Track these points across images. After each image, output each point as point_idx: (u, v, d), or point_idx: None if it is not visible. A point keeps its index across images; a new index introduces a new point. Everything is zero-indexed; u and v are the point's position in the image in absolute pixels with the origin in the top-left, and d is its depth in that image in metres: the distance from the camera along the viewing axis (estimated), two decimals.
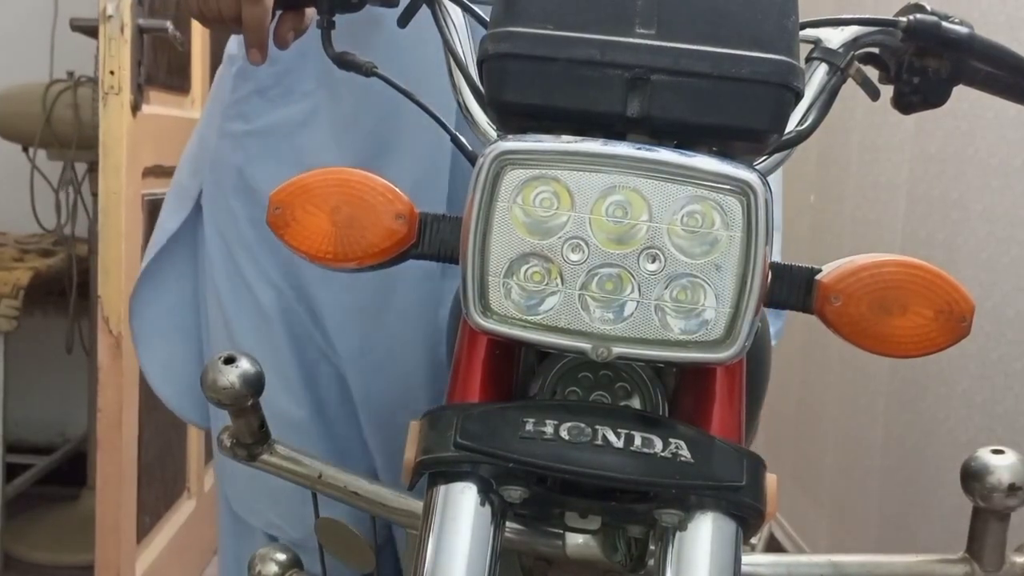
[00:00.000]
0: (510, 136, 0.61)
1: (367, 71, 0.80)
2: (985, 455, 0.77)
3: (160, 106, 1.85)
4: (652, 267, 0.59)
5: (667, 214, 0.59)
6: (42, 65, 2.33)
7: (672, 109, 0.59)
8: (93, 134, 1.69)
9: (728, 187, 0.58)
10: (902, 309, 0.62)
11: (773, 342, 0.96)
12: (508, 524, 0.71)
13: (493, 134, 0.71)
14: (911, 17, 0.76)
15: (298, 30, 0.88)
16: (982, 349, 1.45)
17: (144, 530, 1.90)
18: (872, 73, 0.81)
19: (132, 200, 1.72)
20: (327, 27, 0.80)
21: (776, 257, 1.10)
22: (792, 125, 0.71)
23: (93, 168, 2.14)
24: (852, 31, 0.76)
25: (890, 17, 0.77)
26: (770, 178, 1.05)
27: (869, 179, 1.93)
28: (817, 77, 0.74)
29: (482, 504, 0.61)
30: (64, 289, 2.24)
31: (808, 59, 0.75)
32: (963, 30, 0.76)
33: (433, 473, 0.62)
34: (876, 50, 0.79)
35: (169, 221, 1.16)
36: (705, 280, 0.59)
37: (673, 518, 0.61)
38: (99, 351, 1.71)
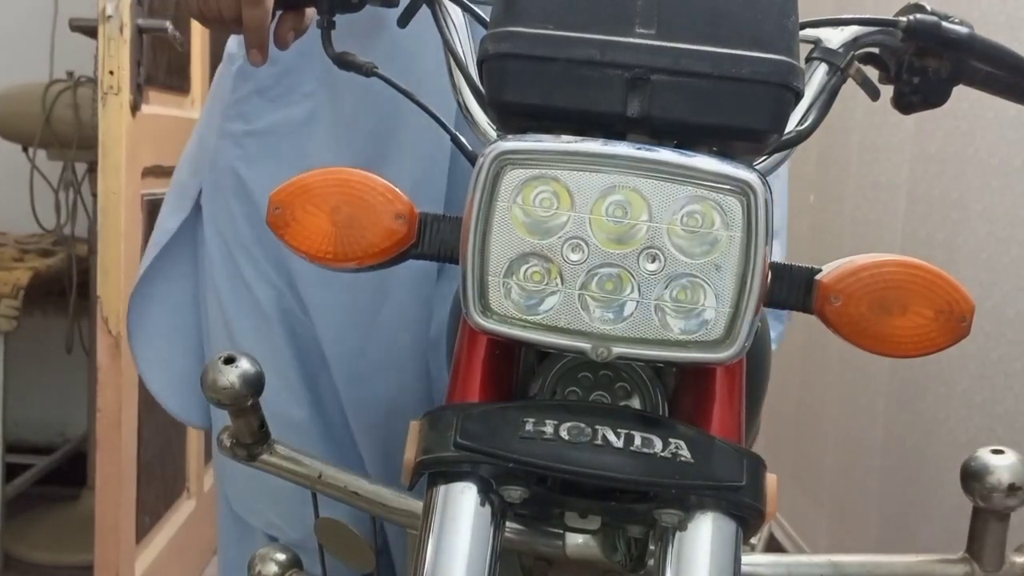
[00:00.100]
0: (510, 136, 0.61)
1: (367, 71, 0.80)
2: (985, 455, 0.77)
3: (159, 106, 1.85)
4: (652, 267, 0.59)
5: (667, 214, 0.59)
6: (42, 65, 2.33)
7: (672, 109, 0.59)
8: (93, 134, 1.69)
9: (728, 187, 0.58)
10: (902, 309, 0.62)
11: (773, 347, 0.96)
12: (508, 524, 0.71)
13: (493, 134, 0.71)
14: (911, 17, 0.76)
15: (298, 30, 0.88)
16: (982, 349, 1.45)
17: (144, 530, 1.90)
18: (872, 73, 0.81)
19: (131, 200, 1.72)
20: (327, 27, 0.80)
21: (781, 256, 1.11)
22: (792, 125, 0.71)
23: (93, 168, 2.14)
24: (852, 31, 0.76)
25: (890, 17, 0.77)
26: (775, 179, 1.05)
27: (869, 179, 1.93)
28: (817, 77, 0.74)
29: (482, 504, 0.61)
30: (64, 289, 2.24)
31: (808, 59, 0.75)
32: (963, 30, 0.76)
33: (433, 473, 0.62)
34: (876, 50, 0.79)
35: (169, 221, 1.16)
36: (705, 280, 0.59)
37: (673, 518, 0.60)
38: (99, 351, 1.71)
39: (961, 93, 0.80)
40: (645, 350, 0.60)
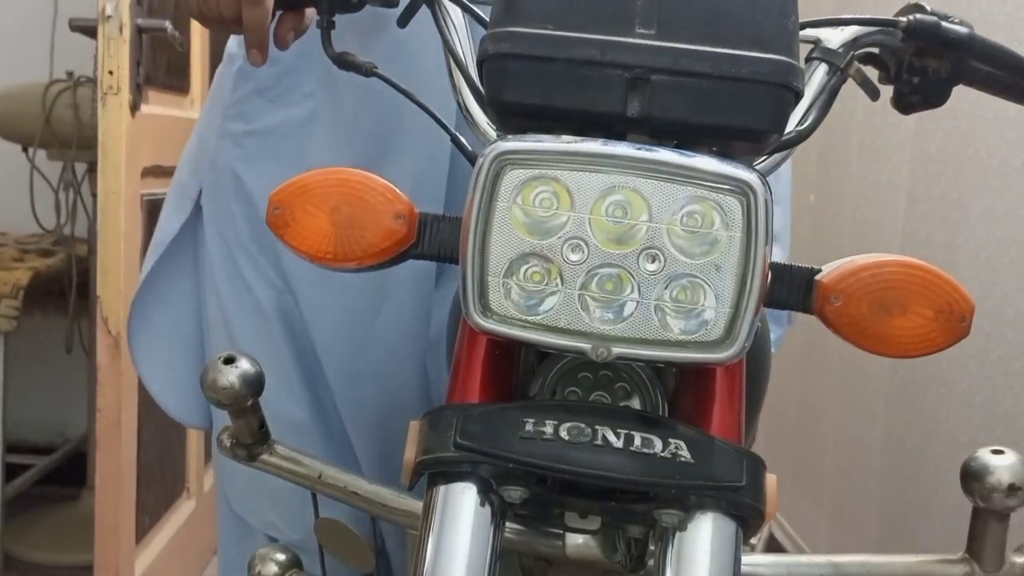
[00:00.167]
0: (510, 136, 0.60)
1: (367, 71, 0.80)
2: (985, 455, 0.77)
3: (159, 106, 1.85)
4: (652, 267, 0.59)
5: (667, 214, 0.59)
6: (42, 65, 2.33)
7: (672, 109, 0.59)
8: (93, 134, 1.69)
9: (728, 187, 0.58)
10: (902, 309, 0.62)
11: (773, 351, 0.96)
12: (508, 524, 0.71)
13: (493, 134, 0.71)
14: (911, 17, 0.76)
15: (298, 30, 0.88)
16: (982, 349, 1.45)
17: (143, 530, 1.90)
18: (872, 73, 0.81)
19: (131, 200, 1.72)
20: (327, 27, 0.80)
21: (784, 256, 1.11)
22: (792, 125, 0.71)
23: (92, 168, 2.14)
24: (852, 31, 0.76)
25: (890, 17, 0.77)
26: (777, 182, 1.05)
27: (869, 179, 1.93)
28: (817, 77, 0.74)
29: (482, 504, 0.61)
30: (64, 289, 2.24)
31: (808, 59, 0.75)
32: (963, 30, 0.76)
33: (433, 473, 0.62)
34: (876, 50, 0.79)
35: (170, 222, 1.16)
36: (705, 280, 0.59)
37: (673, 518, 0.60)
38: (98, 351, 1.71)
39: (961, 93, 0.80)
40: (645, 350, 0.60)
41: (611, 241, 0.59)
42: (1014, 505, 0.77)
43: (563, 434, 0.60)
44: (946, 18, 0.77)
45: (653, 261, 0.59)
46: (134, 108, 1.69)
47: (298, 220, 0.64)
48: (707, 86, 0.58)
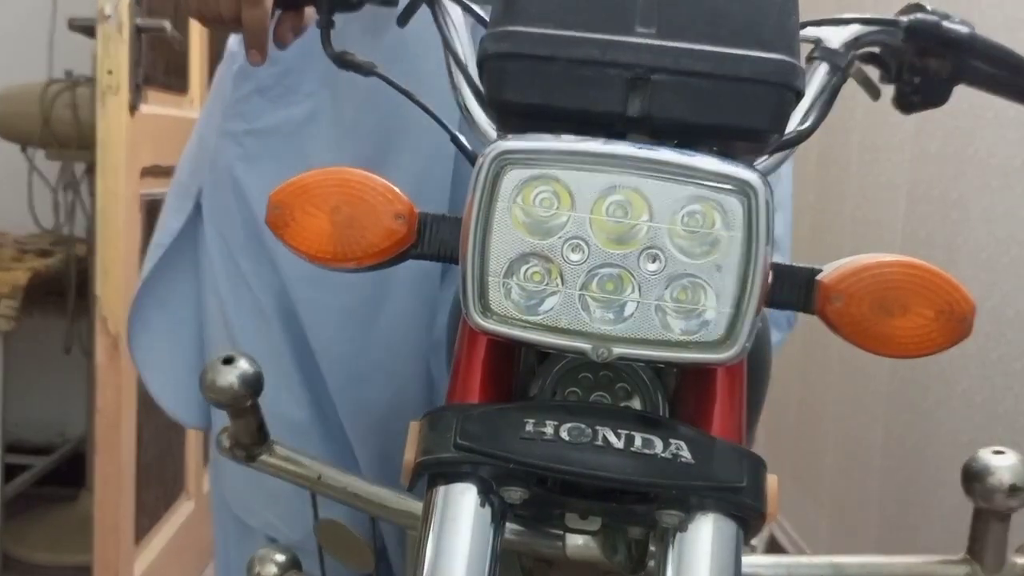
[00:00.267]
0: (510, 136, 0.60)
1: (367, 70, 0.79)
2: (986, 456, 0.77)
3: (158, 106, 1.85)
4: (652, 267, 0.59)
5: (667, 214, 0.58)
6: (40, 65, 2.33)
7: (673, 109, 0.58)
8: (91, 134, 1.69)
9: (729, 187, 0.58)
10: (903, 309, 0.62)
11: (773, 354, 0.95)
12: (508, 525, 0.71)
13: (493, 134, 0.71)
14: (912, 17, 0.76)
15: (298, 30, 0.88)
16: (982, 349, 1.45)
17: (143, 531, 1.89)
18: (873, 73, 0.81)
19: (130, 200, 1.72)
20: (326, 26, 0.80)
21: (786, 256, 1.11)
22: (793, 125, 0.71)
23: (91, 168, 2.14)
24: (853, 31, 0.76)
25: (891, 17, 0.77)
26: (780, 185, 1.05)
27: (869, 179, 1.93)
28: (818, 77, 0.74)
29: (482, 505, 0.60)
30: (63, 289, 2.24)
31: (809, 59, 0.75)
32: (964, 30, 0.76)
33: (433, 474, 0.62)
34: (877, 50, 0.78)
35: (171, 221, 1.16)
36: (706, 280, 0.59)
37: (673, 519, 0.60)
38: (98, 351, 1.71)
39: (961, 93, 0.80)
40: (646, 351, 0.60)
41: (611, 241, 0.59)
42: (1015, 505, 0.77)
43: (563, 435, 0.60)
44: (947, 18, 0.76)
45: (654, 261, 0.59)
46: (133, 108, 1.69)
47: (298, 220, 0.64)
48: (708, 86, 0.58)
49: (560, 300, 0.59)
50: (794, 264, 0.65)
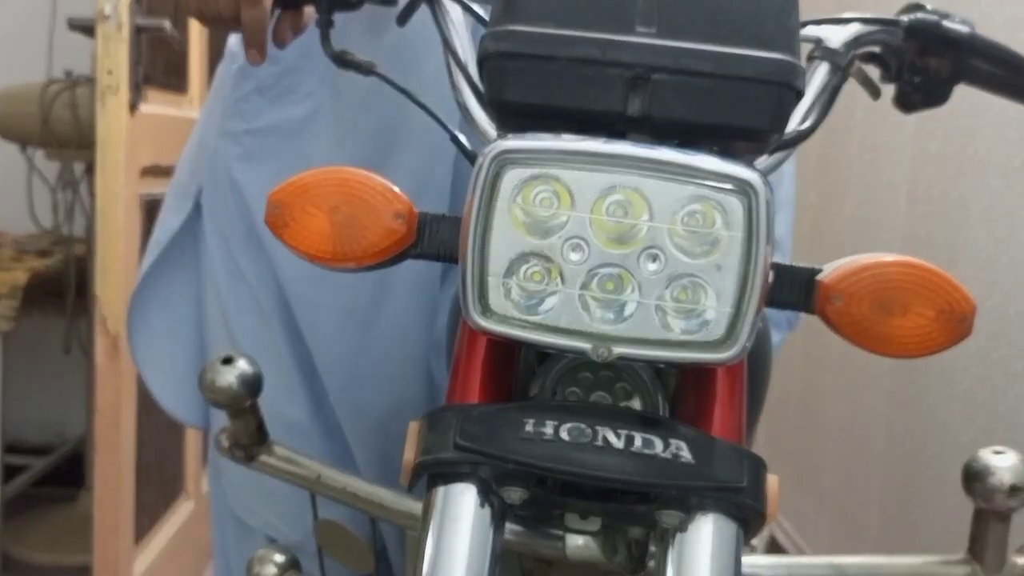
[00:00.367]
0: (510, 135, 0.60)
1: (367, 70, 0.79)
2: (986, 456, 0.77)
3: (158, 105, 1.85)
4: (653, 267, 0.59)
5: (668, 214, 0.58)
6: (40, 64, 2.33)
7: (673, 108, 0.58)
8: (91, 134, 1.69)
9: (729, 187, 0.58)
10: (903, 309, 0.62)
11: (773, 354, 0.95)
12: (508, 525, 0.71)
13: (493, 134, 0.71)
14: (912, 16, 0.76)
15: (297, 29, 0.87)
16: (983, 349, 1.45)
17: (142, 531, 1.89)
18: (873, 72, 0.81)
19: (130, 200, 1.72)
20: (326, 25, 0.80)
21: (787, 257, 1.11)
22: (793, 124, 0.71)
23: (91, 168, 2.14)
24: (853, 30, 0.76)
25: (891, 16, 0.77)
26: (781, 186, 1.04)
27: (869, 179, 1.93)
28: (818, 76, 0.74)
29: (482, 505, 0.60)
30: (62, 289, 2.24)
31: (809, 58, 0.75)
32: (964, 29, 0.76)
33: (433, 474, 0.62)
34: (877, 49, 0.78)
35: (170, 220, 1.16)
36: (706, 280, 0.59)
37: (674, 519, 0.60)
38: (97, 351, 1.71)
39: (961, 93, 0.80)
40: (646, 350, 0.59)
41: (612, 241, 0.59)
42: (1016, 506, 0.76)
43: (563, 435, 0.60)
44: (947, 17, 0.76)
45: (654, 261, 0.59)
46: (133, 107, 1.69)
47: (297, 220, 0.63)
48: (708, 85, 0.58)
49: (560, 300, 0.59)
50: (794, 264, 0.65)
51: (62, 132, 2.15)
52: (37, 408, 2.59)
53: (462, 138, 0.77)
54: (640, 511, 0.64)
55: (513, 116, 0.61)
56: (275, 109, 1.08)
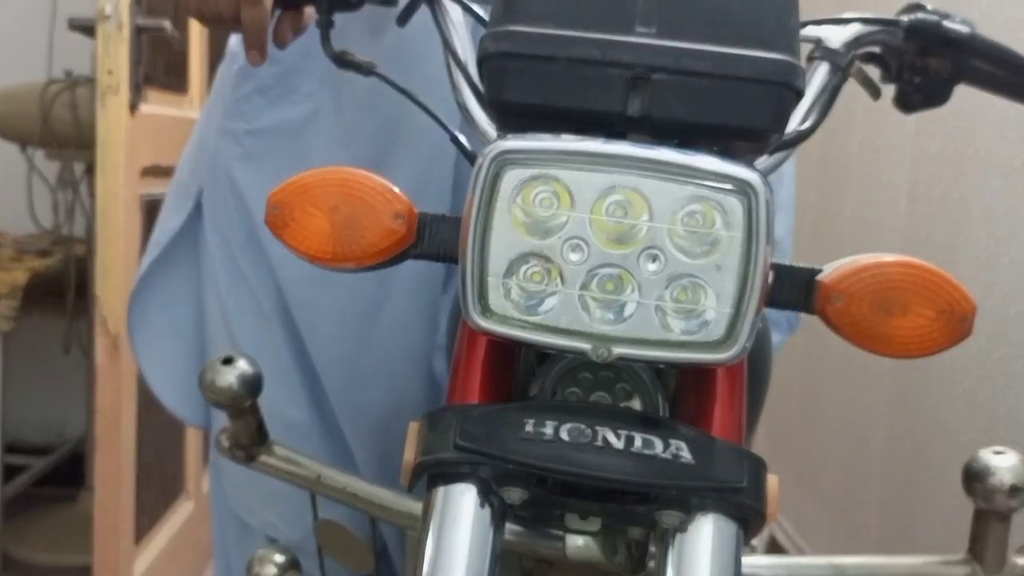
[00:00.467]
0: (510, 135, 0.60)
1: (367, 70, 0.79)
2: (987, 456, 0.77)
3: (158, 106, 1.85)
4: (652, 267, 0.59)
5: (667, 214, 0.58)
6: (40, 65, 2.33)
7: (673, 109, 0.58)
8: (91, 134, 1.69)
9: (729, 187, 0.58)
10: (903, 309, 0.62)
11: (773, 356, 0.95)
12: (508, 525, 0.71)
13: (493, 134, 0.71)
14: (912, 16, 0.76)
15: (297, 29, 0.87)
16: (983, 349, 1.45)
17: (142, 531, 1.89)
18: (873, 72, 0.81)
19: (130, 200, 1.72)
20: (326, 26, 0.80)
21: (787, 256, 1.11)
22: (793, 125, 0.71)
23: (91, 168, 2.14)
24: (853, 30, 0.76)
25: (891, 16, 0.77)
26: (782, 187, 1.04)
27: (869, 179, 1.93)
28: (818, 76, 0.74)
29: (482, 505, 0.60)
30: (62, 289, 2.24)
31: (809, 58, 0.75)
32: (964, 29, 0.76)
33: (433, 474, 0.62)
34: (877, 49, 0.78)
35: (170, 220, 1.16)
36: (706, 280, 0.59)
37: (674, 519, 0.60)
38: (97, 351, 1.71)
39: (962, 93, 0.80)
40: (646, 351, 0.59)
41: (611, 241, 0.59)
42: (1016, 506, 0.76)
43: (563, 435, 0.60)
44: (947, 17, 0.76)
45: (654, 261, 0.59)
46: (133, 108, 1.69)
47: (297, 220, 0.63)
48: (708, 85, 0.58)
49: (560, 300, 0.59)
50: (794, 264, 0.65)
51: (62, 132, 2.15)
52: (37, 408, 2.59)
53: (462, 138, 0.77)
54: (640, 511, 0.64)
55: (513, 116, 0.61)
56: (275, 109, 1.08)
